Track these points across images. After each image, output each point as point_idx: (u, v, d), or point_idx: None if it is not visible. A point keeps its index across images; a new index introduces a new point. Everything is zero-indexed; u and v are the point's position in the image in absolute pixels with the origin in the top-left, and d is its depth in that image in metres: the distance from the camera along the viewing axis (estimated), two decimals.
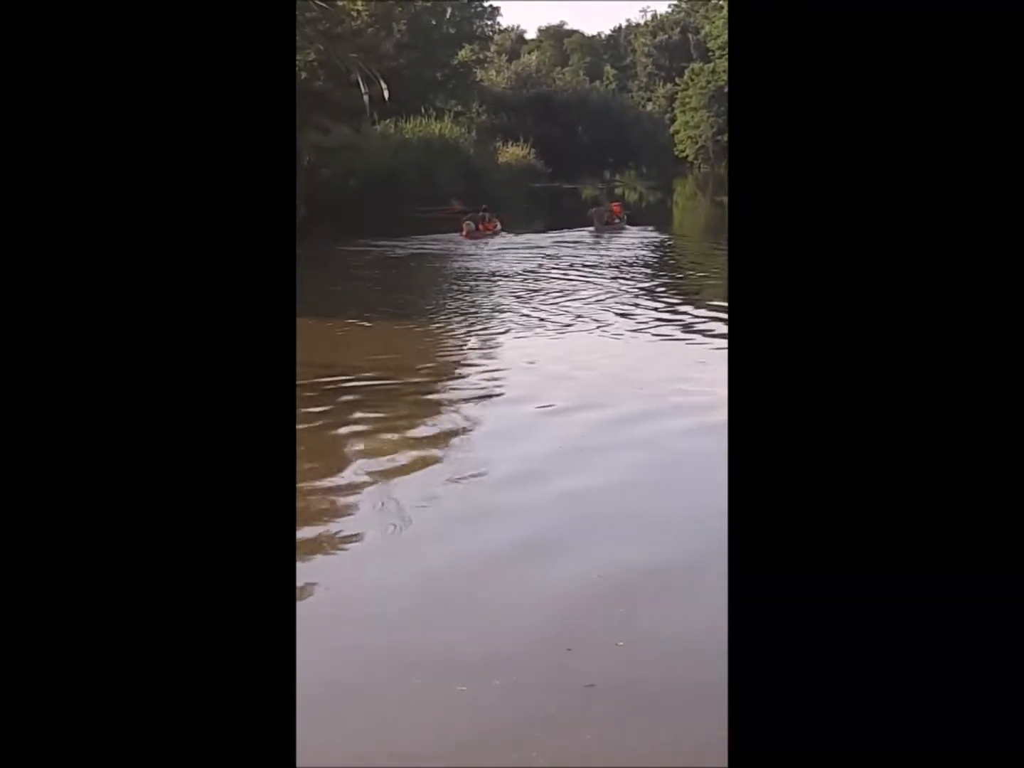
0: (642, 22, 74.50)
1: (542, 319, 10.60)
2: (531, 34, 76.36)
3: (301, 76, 21.14)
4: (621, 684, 3.36)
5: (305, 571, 4.29)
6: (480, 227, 19.06)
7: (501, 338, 9.76)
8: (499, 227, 19.48)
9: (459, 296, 12.41)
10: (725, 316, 7.91)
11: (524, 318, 10.67)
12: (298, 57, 20.95)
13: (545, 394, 7.31)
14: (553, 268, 14.82)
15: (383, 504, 5.13)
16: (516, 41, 69.87)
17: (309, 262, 15.27)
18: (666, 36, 69.81)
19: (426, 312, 11.32)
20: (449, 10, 40.47)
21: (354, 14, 30.06)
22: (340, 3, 24.73)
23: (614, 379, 7.89)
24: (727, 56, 1.92)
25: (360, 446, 6.24)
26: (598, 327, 10.17)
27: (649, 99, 67.66)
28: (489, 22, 47.05)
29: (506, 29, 65.31)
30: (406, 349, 9.43)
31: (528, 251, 16.99)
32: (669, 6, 74.78)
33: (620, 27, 77.87)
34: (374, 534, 4.75)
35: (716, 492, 2.92)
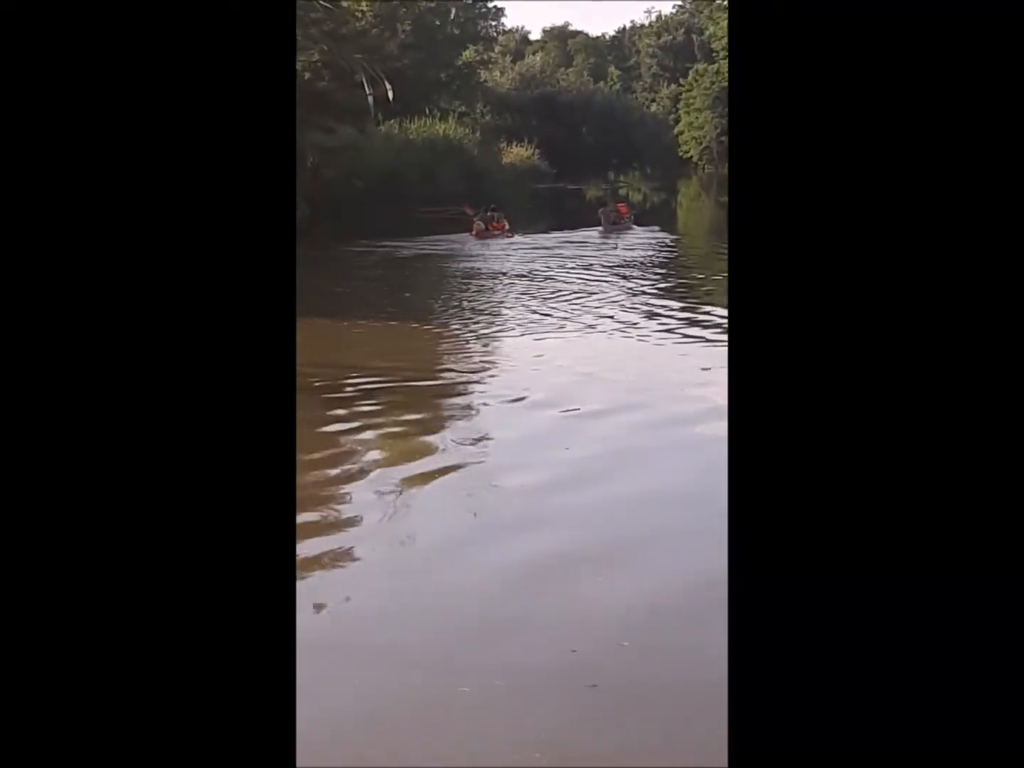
0: (646, 23, 74.74)
1: (566, 318, 10.52)
2: (535, 35, 76.57)
3: (305, 77, 21.16)
4: None
5: (317, 578, 4.30)
6: (489, 227, 19.32)
7: (522, 340, 9.62)
8: (508, 227, 19.74)
9: (472, 297, 12.35)
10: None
11: (541, 317, 10.61)
12: (302, 58, 20.99)
13: (576, 397, 7.22)
14: (569, 268, 14.77)
15: (396, 509, 5.09)
16: (520, 42, 69.93)
17: (314, 262, 15.30)
18: (670, 37, 69.93)
19: (439, 313, 11.25)
20: (453, 11, 40.51)
21: (358, 15, 30.10)
22: (344, 4, 24.75)
23: (649, 380, 7.80)
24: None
25: (376, 450, 6.22)
26: (621, 327, 10.08)
27: (653, 100, 67.74)
28: (493, 23, 47.15)
29: (510, 30, 65.48)
30: (420, 351, 9.38)
31: (537, 251, 17.03)
32: (673, 7, 74.80)
33: (624, 28, 78.00)
34: (386, 541, 4.72)
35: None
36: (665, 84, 66.89)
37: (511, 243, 18.32)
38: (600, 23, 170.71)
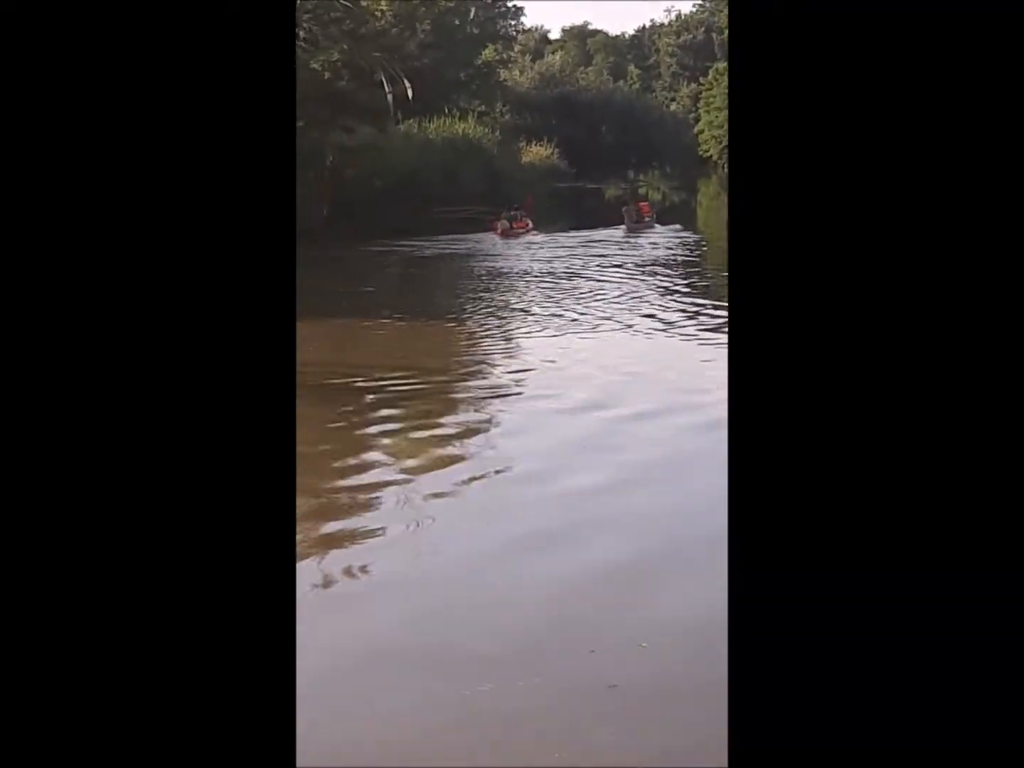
0: (666, 22, 74.57)
1: (606, 317, 10.51)
2: (555, 34, 76.51)
3: (325, 76, 21.20)
4: None
5: (325, 564, 4.32)
6: (513, 225, 19.74)
7: (561, 339, 9.55)
8: (531, 226, 20.19)
9: (499, 295, 12.35)
10: None
11: (579, 317, 10.59)
12: (322, 57, 21.05)
13: (623, 398, 7.19)
14: (600, 267, 14.81)
15: (405, 499, 5.15)
16: (540, 41, 69.98)
17: (337, 262, 15.34)
18: (690, 36, 69.74)
19: (461, 312, 11.24)
20: (473, 10, 40.58)
21: (378, 14, 30.12)
22: (364, 3, 24.77)
23: (693, 381, 7.71)
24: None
25: (388, 444, 6.25)
26: (662, 327, 10.05)
27: (673, 99, 67.61)
28: (513, 22, 47.19)
29: (530, 29, 65.48)
30: (441, 349, 9.39)
31: (563, 250, 17.12)
32: (693, 6, 74.65)
33: (644, 27, 77.96)
34: (395, 528, 4.77)
35: None
36: (685, 83, 66.72)
37: (535, 242, 18.51)
38: (620, 22, 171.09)
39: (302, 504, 4.86)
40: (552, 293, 12.40)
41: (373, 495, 5.25)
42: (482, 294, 12.44)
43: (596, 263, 15.30)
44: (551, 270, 14.54)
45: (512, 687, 3.34)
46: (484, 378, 8.09)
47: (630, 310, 11.03)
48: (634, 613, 3.91)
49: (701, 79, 60.99)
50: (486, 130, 34.38)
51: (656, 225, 21.33)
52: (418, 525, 4.83)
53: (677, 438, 6.25)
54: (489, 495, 5.34)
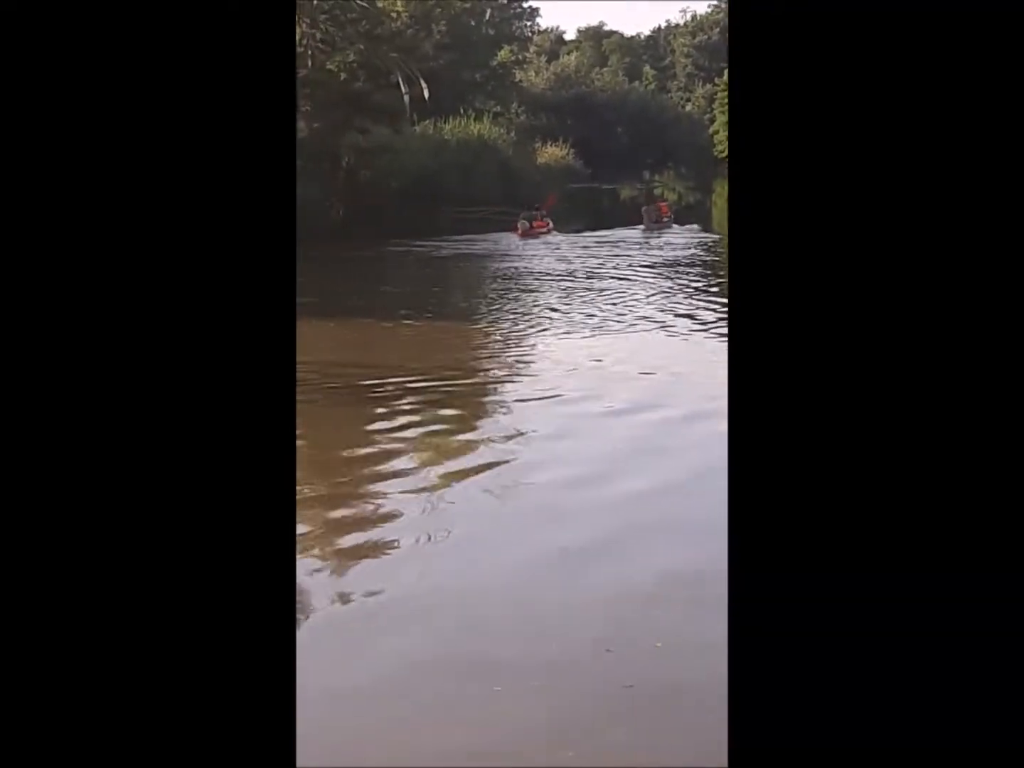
0: (681, 23, 74.43)
1: (642, 316, 10.50)
2: (570, 35, 76.32)
3: (341, 77, 21.25)
4: None
5: (354, 574, 4.33)
6: (533, 225, 19.95)
7: (592, 340, 9.52)
8: (551, 226, 20.42)
9: (520, 296, 12.34)
10: None
11: (612, 316, 10.61)
12: (338, 58, 21.10)
13: (663, 400, 7.18)
14: (625, 267, 14.80)
15: (433, 505, 5.13)
16: (555, 42, 69.85)
17: (354, 263, 15.34)
18: (706, 36, 69.58)
19: (484, 312, 11.25)
20: (488, 11, 40.57)
21: (394, 15, 30.13)
22: (381, 4, 24.79)
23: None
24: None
25: (435, 446, 6.24)
26: (698, 327, 10.03)
27: (688, 100, 67.51)
28: (528, 23, 47.23)
29: (545, 30, 65.37)
30: (465, 349, 9.37)
31: (582, 250, 17.15)
32: (709, 6, 74.24)
33: (659, 28, 77.79)
34: (422, 536, 4.76)
35: None
36: (700, 84, 66.62)
37: (554, 242, 18.62)
38: (635, 23, 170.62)
39: (347, 510, 4.93)
40: (582, 293, 12.38)
41: (427, 501, 5.21)
42: (509, 294, 12.43)
43: (625, 262, 15.30)
44: (578, 269, 14.54)
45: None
46: (528, 380, 8.02)
47: (663, 310, 11.00)
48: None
49: (716, 79, 60.83)
50: (501, 131, 34.37)
51: (674, 225, 21.61)
52: (446, 533, 4.83)
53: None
54: (544, 499, 5.30)
